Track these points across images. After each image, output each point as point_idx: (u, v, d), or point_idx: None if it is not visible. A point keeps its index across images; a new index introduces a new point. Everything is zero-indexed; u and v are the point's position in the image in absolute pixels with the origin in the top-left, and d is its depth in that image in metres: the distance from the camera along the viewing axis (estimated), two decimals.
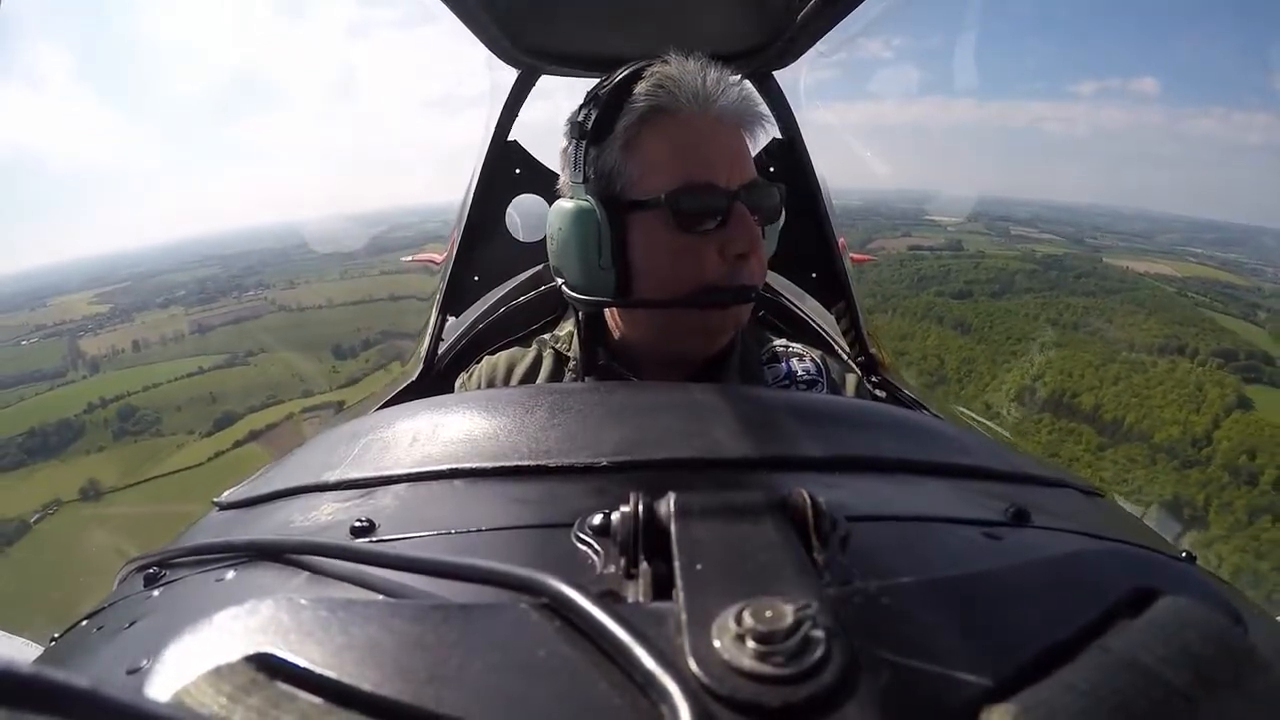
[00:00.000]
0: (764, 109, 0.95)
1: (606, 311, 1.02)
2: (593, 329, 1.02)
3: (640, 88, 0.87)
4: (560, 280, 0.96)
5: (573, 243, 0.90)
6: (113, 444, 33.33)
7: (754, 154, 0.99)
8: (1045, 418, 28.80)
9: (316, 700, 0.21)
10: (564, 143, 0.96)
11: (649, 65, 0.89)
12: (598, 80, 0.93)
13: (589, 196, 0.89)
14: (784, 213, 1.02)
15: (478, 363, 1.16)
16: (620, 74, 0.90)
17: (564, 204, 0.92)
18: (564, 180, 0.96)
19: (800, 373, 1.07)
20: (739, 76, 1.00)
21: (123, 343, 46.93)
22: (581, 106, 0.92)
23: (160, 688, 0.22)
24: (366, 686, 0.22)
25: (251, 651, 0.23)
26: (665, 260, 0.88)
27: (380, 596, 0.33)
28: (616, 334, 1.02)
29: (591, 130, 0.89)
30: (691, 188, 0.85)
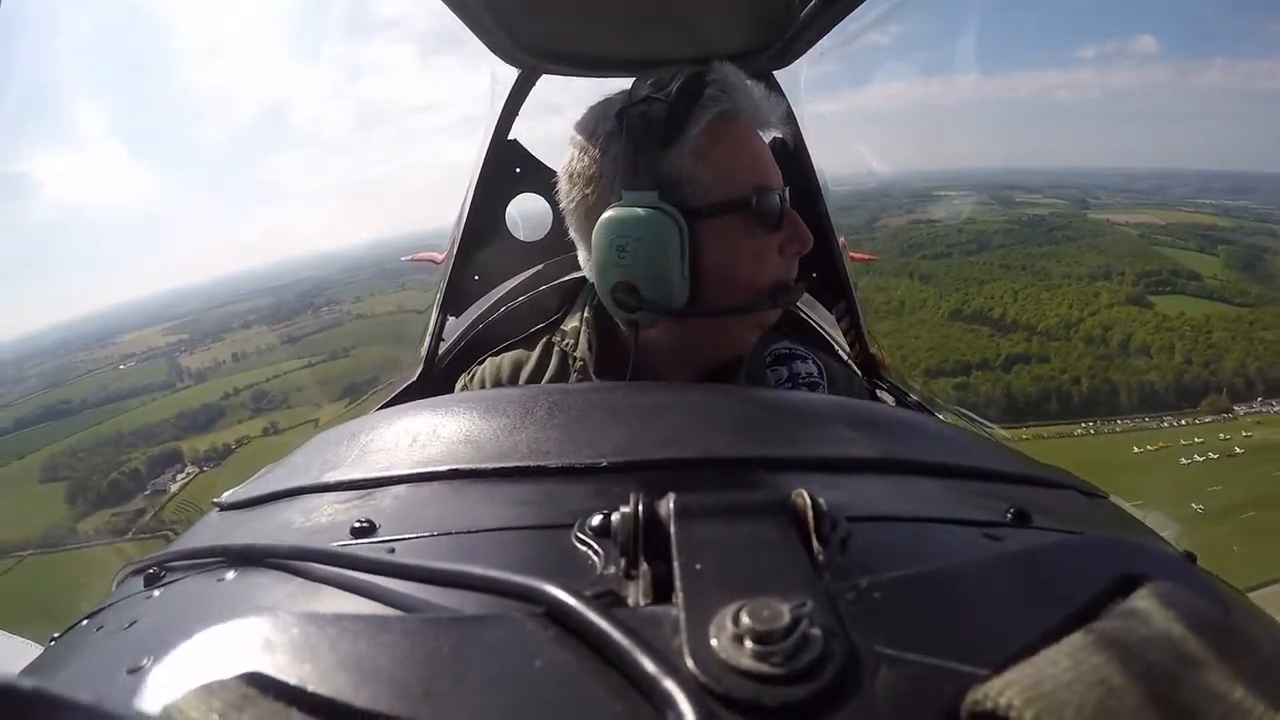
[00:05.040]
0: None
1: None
2: (604, 329, 1.11)
3: (707, 93, 0.96)
4: (622, 293, 0.97)
5: (659, 253, 0.94)
6: (253, 418, 47.09)
7: None
8: (959, 325, 42.27)
9: (309, 718, 0.23)
10: (595, 145, 1.00)
11: (705, 71, 0.98)
12: (651, 81, 0.98)
13: (664, 204, 0.93)
14: None
15: (480, 364, 1.23)
16: (679, 79, 0.96)
17: (634, 211, 0.94)
18: (602, 186, 0.99)
19: (803, 375, 1.16)
20: None
21: (222, 356, 60.21)
22: (631, 108, 0.96)
23: (152, 704, 0.24)
24: (360, 703, 0.24)
25: (242, 668, 0.25)
26: (744, 263, 0.98)
27: (375, 603, 0.35)
28: (647, 336, 1.05)
29: (658, 136, 0.94)
30: (762, 190, 0.96)
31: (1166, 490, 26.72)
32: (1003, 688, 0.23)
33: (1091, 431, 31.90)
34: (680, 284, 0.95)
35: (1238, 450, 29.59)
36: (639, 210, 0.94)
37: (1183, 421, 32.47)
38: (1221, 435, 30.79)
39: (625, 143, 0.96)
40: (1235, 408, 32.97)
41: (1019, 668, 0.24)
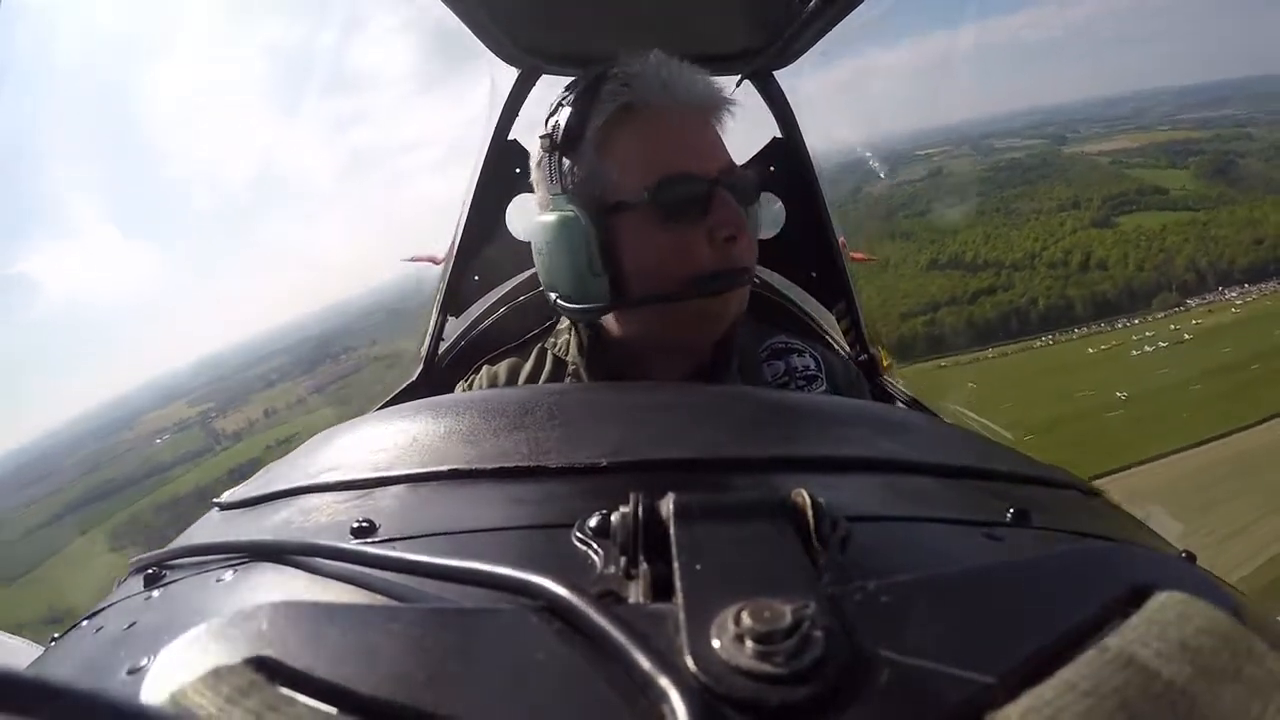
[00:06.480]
0: (726, 94, 1.06)
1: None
2: (591, 332, 1.12)
3: (605, 89, 0.98)
4: (554, 295, 1.05)
5: (561, 254, 0.99)
6: None
7: (754, 152, 1.36)
8: (935, 272, 47.09)
9: (315, 704, 0.24)
10: (535, 158, 1.06)
11: (610, 67, 1.00)
12: (567, 86, 1.05)
13: (570, 206, 0.98)
14: (783, 209, 1.41)
15: (476, 372, 1.26)
16: (583, 80, 1.01)
17: (545, 218, 1.01)
18: (541, 195, 1.06)
19: (800, 368, 1.18)
20: (740, 77, 1.27)
21: (254, 415, 64.69)
22: (548, 118, 1.03)
23: (159, 690, 0.25)
24: (365, 690, 0.25)
25: (250, 655, 0.26)
26: (656, 256, 0.97)
27: (378, 598, 0.36)
28: (616, 334, 1.09)
29: (563, 140, 0.99)
30: (671, 179, 0.95)
31: (1101, 383, 31.50)
32: (1021, 714, 0.23)
33: (1051, 343, 36.60)
34: (593, 281, 0.99)
35: (1187, 337, 34.44)
36: (544, 216, 1.02)
37: (1136, 321, 37.20)
38: (1173, 326, 35.57)
39: (546, 150, 1.03)
40: (1187, 301, 37.78)
41: (1037, 692, 0.24)
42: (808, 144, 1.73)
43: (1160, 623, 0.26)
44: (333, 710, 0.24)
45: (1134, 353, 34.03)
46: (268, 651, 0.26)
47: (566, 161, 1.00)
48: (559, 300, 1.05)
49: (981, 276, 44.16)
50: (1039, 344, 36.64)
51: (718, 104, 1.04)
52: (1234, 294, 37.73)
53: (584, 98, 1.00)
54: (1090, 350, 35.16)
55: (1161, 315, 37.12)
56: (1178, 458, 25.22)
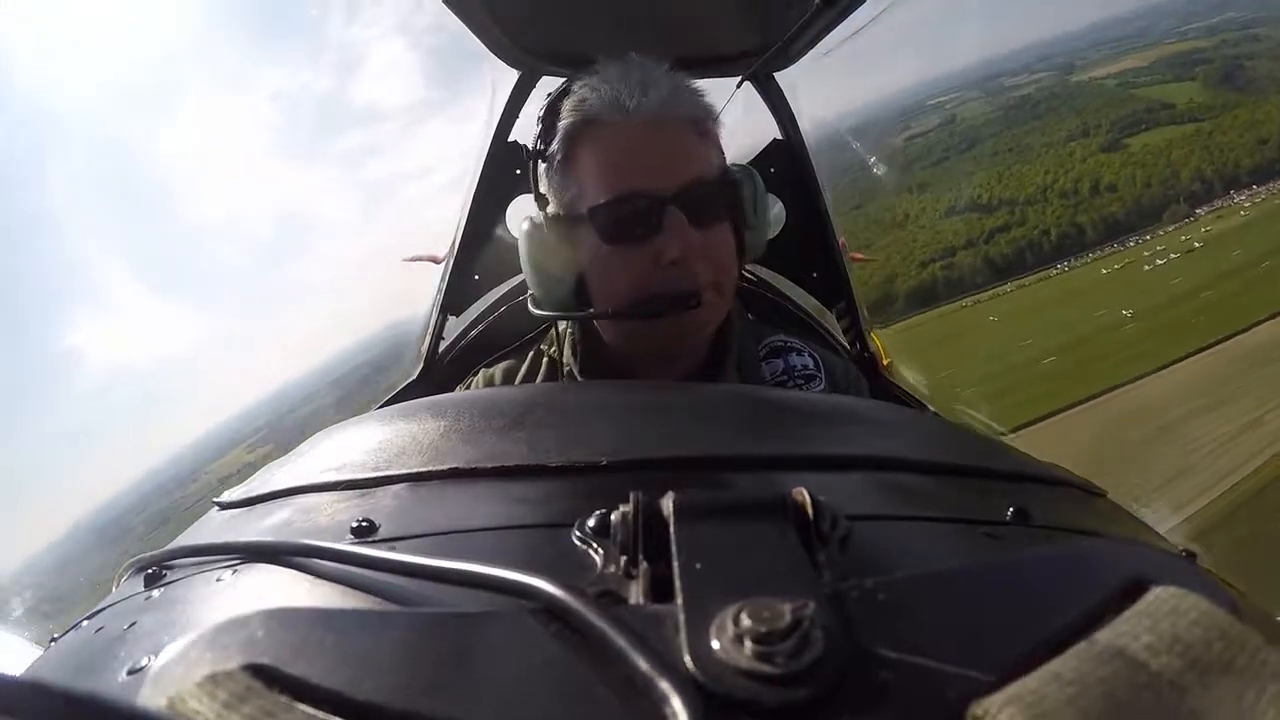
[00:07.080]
0: (701, 99, 1.06)
1: None
2: (583, 335, 1.16)
3: (566, 104, 1.00)
4: (528, 295, 1.11)
5: (527, 260, 1.06)
6: None
7: (755, 152, 1.45)
8: (954, 219, 48.97)
9: (312, 710, 0.24)
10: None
11: (575, 79, 1.02)
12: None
13: (540, 215, 1.05)
14: (783, 210, 1.47)
15: (474, 375, 1.32)
16: (552, 94, 1.03)
17: (523, 223, 1.07)
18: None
19: (799, 367, 1.21)
20: (740, 79, 1.33)
21: None
22: (536, 126, 1.06)
23: (155, 696, 0.26)
24: (362, 697, 0.25)
25: (247, 661, 0.26)
26: (605, 273, 1.02)
27: (377, 601, 0.37)
28: (607, 338, 1.14)
29: (535, 153, 1.03)
30: (617, 199, 0.97)
31: (1114, 302, 33.09)
32: (1004, 703, 0.23)
33: (1067, 270, 38.41)
34: (555, 288, 1.05)
35: (1197, 245, 36.00)
36: (522, 222, 1.08)
37: (1147, 237, 38.77)
38: (1183, 237, 37.14)
39: (528, 159, 1.08)
40: (1196, 210, 39.20)
41: (1022, 682, 0.24)
42: (813, 131, 1.78)
43: (1153, 616, 0.27)
44: (331, 716, 0.24)
45: (1146, 268, 35.57)
46: (263, 659, 0.26)
47: (542, 171, 1.07)
48: (529, 302, 1.13)
49: (997, 215, 45.65)
50: (1055, 273, 38.30)
51: (681, 115, 1.01)
52: (1242, 197, 39.02)
53: (550, 112, 1.03)
54: (1104, 271, 36.72)
55: (1172, 228, 38.42)
56: (1188, 362, 26.53)
